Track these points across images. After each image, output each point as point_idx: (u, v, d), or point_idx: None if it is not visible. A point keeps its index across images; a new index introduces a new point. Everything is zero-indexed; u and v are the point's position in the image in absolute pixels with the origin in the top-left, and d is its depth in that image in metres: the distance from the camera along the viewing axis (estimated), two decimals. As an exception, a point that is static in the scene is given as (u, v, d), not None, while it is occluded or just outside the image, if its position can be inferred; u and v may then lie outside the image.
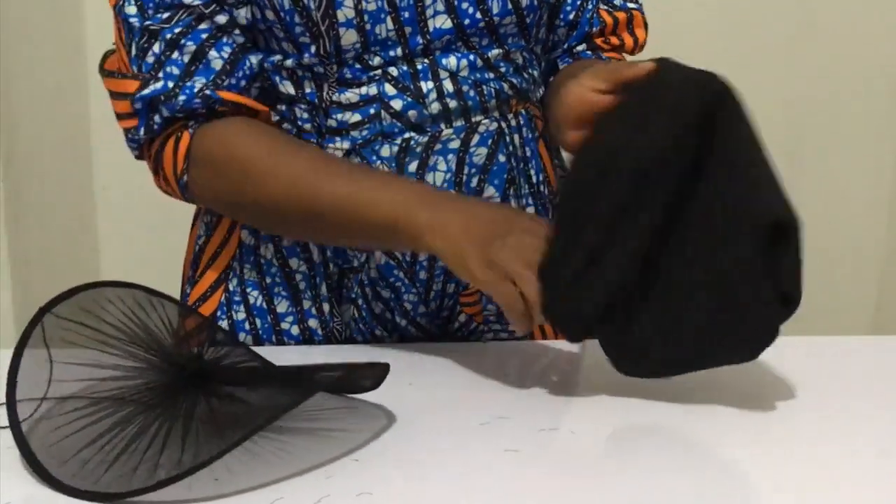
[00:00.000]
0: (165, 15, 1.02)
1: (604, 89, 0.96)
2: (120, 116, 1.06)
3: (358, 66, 1.05)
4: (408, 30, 1.04)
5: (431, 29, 1.04)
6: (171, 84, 1.02)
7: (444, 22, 1.05)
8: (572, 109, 0.98)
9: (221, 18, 1.03)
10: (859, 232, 2.38)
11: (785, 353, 1.10)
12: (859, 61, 2.28)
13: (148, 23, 1.02)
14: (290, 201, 1.01)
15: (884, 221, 2.38)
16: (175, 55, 1.02)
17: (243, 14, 1.05)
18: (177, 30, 1.02)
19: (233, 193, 1.05)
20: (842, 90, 2.30)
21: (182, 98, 1.02)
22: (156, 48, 1.02)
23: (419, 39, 1.05)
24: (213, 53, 1.03)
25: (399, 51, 1.05)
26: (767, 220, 0.93)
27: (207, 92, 1.02)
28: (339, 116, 1.07)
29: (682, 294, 0.94)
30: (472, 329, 1.16)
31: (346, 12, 1.02)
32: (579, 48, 1.21)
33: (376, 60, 1.05)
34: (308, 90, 1.07)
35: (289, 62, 1.06)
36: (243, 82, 1.05)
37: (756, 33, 2.25)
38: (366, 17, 1.02)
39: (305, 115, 1.08)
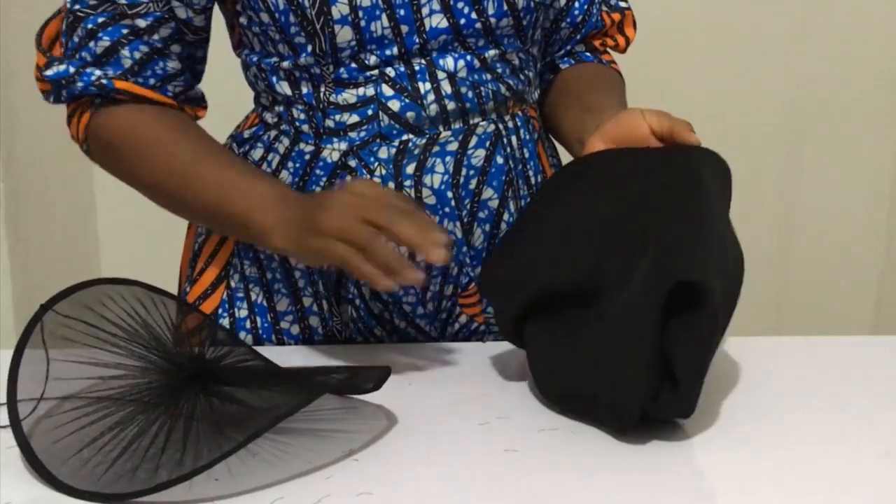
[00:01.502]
0: (92, 2, 1.05)
1: (656, 131, 0.99)
2: (37, 79, 1.10)
3: (354, 65, 1.05)
4: (404, 28, 1.04)
5: (428, 28, 1.04)
6: (72, 69, 1.06)
7: (440, 21, 1.05)
8: (623, 128, 1.00)
9: (141, 22, 1.05)
10: (859, 232, 2.38)
11: (785, 353, 1.10)
12: (859, 61, 2.28)
13: (77, 7, 1.06)
14: (165, 184, 1.07)
15: (884, 221, 2.38)
16: (91, 44, 1.06)
17: (190, 18, 1.07)
18: (100, 20, 1.05)
19: (120, 171, 1.11)
20: (842, 90, 2.30)
21: (80, 84, 1.06)
22: (79, 32, 1.06)
23: (416, 39, 1.05)
24: (124, 52, 1.06)
25: (395, 50, 1.05)
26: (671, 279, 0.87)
27: (104, 81, 1.06)
28: (337, 117, 1.07)
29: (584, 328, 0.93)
30: (474, 330, 1.16)
31: (340, 8, 1.02)
32: (577, 49, 1.22)
33: (372, 60, 1.05)
34: (305, 91, 1.07)
35: (286, 63, 1.06)
36: (151, 80, 1.08)
37: (756, 33, 2.25)
38: (360, 14, 1.02)
39: (303, 116, 1.08)
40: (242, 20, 1.07)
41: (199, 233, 1.17)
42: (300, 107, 1.08)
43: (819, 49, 2.26)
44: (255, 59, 1.09)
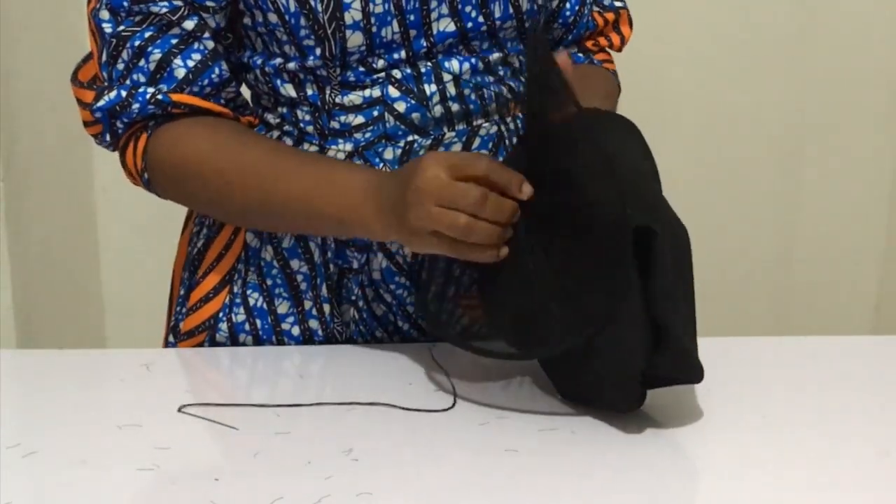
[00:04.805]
0: (136, 19, 1.03)
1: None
2: (86, 124, 1.08)
3: (362, 68, 1.05)
4: (412, 32, 1.04)
5: (435, 32, 1.05)
6: (124, 93, 1.03)
7: (447, 25, 1.05)
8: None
9: (189, 24, 1.04)
10: (859, 232, 2.38)
11: (785, 353, 1.10)
12: (859, 62, 2.28)
13: (120, 28, 1.03)
14: (244, 199, 1.03)
15: (884, 221, 2.38)
16: (142, 63, 1.03)
17: (217, 19, 1.05)
18: (146, 35, 1.03)
19: (188, 193, 1.08)
20: (842, 90, 2.29)
21: (136, 106, 1.03)
22: (125, 55, 1.03)
23: (423, 42, 1.05)
24: (177, 62, 1.03)
25: (403, 53, 1.05)
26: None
27: (160, 97, 1.03)
28: (343, 118, 1.07)
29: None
30: (476, 332, 1.15)
31: (353, 14, 1.01)
32: (570, 50, 1.22)
33: (380, 63, 1.05)
34: (310, 92, 1.07)
35: (291, 65, 1.06)
36: (208, 89, 1.05)
37: (756, 34, 2.25)
38: (373, 20, 1.02)
39: (308, 118, 1.08)
40: (246, 20, 1.07)
41: (197, 237, 1.16)
42: (305, 108, 1.08)
43: (819, 50, 2.26)
44: (258, 61, 1.08)
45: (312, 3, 1.01)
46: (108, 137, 1.07)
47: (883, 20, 2.26)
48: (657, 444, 0.90)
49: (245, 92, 1.14)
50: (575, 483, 0.84)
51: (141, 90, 1.03)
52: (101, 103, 1.04)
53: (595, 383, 0.93)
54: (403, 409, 0.96)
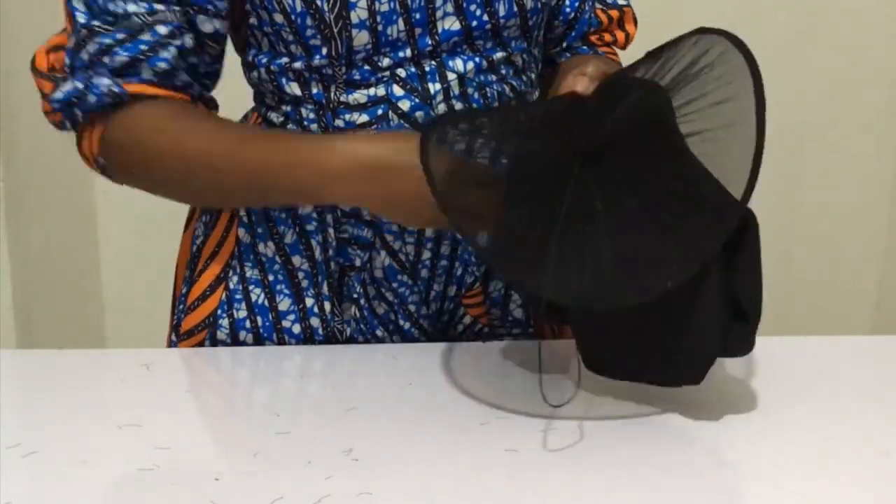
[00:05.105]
0: (109, 19, 1.02)
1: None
2: (46, 112, 1.07)
3: (367, 67, 1.05)
4: (417, 31, 1.04)
5: (440, 30, 1.05)
6: (80, 85, 1.03)
7: (452, 24, 1.05)
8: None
9: (163, 29, 1.02)
10: (859, 232, 2.38)
11: (785, 353, 1.10)
12: (859, 61, 2.28)
13: (94, 23, 1.02)
14: (197, 176, 1.03)
15: (884, 221, 2.38)
16: (105, 59, 1.02)
17: (213, 25, 1.04)
18: (118, 36, 1.02)
19: (141, 174, 1.07)
20: (842, 90, 2.30)
21: (92, 98, 1.03)
22: (90, 48, 1.02)
23: (428, 41, 1.05)
24: (145, 66, 1.02)
25: (408, 52, 1.05)
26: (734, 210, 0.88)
27: (115, 90, 1.03)
28: (347, 117, 1.07)
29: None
30: (478, 332, 1.16)
31: (359, 13, 1.01)
32: (575, 45, 1.22)
33: (385, 62, 1.05)
34: (315, 91, 1.07)
35: (297, 64, 1.05)
36: (161, 75, 1.04)
37: (756, 33, 2.24)
38: (378, 19, 1.02)
39: (312, 116, 1.08)
40: (252, 21, 1.06)
41: (197, 234, 1.17)
42: (309, 106, 1.08)
43: (819, 49, 2.26)
44: (263, 60, 1.08)
45: (319, 3, 1.01)
46: (68, 125, 1.06)
47: (883, 20, 2.27)
48: (657, 443, 0.90)
49: (248, 91, 1.14)
50: (575, 483, 0.84)
51: (95, 81, 1.02)
52: (57, 95, 1.04)
53: (657, 354, 0.93)
54: (403, 408, 0.96)
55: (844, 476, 0.85)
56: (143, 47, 1.02)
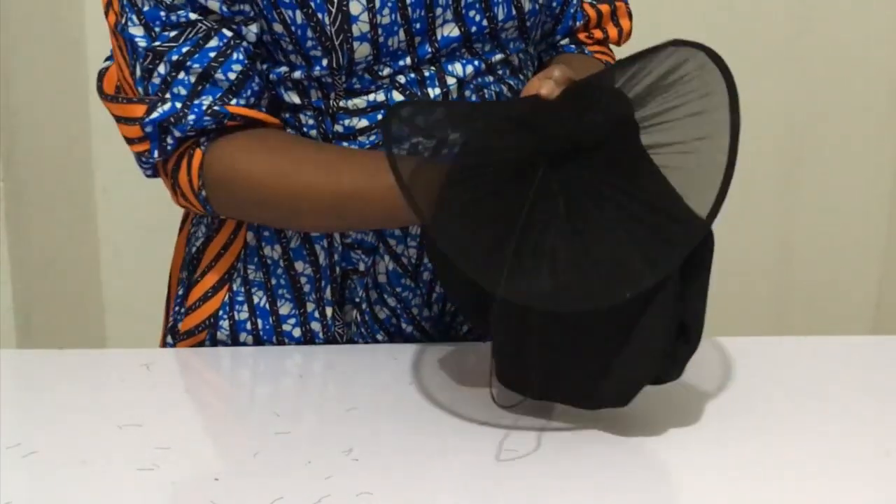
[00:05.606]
0: (172, 34, 1.01)
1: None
2: (130, 141, 1.04)
3: (367, 76, 1.05)
4: (417, 39, 1.04)
5: (439, 37, 1.05)
6: (178, 105, 1.01)
7: (451, 30, 1.05)
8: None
9: (228, 32, 1.02)
10: (859, 232, 2.38)
11: (785, 353, 1.10)
12: (859, 62, 2.28)
13: (155, 44, 1.01)
14: (305, 209, 1.01)
15: (884, 221, 2.38)
16: (181, 76, 1.01)
17: (253, 30, 1.03)
18: (184, 49, 1.01)
19: (249, 209, 1.05)
20: (842, 91, 2.29)
21: (192, 117, 1.01)
22: (161, 69, 1.01)
23: (427, 48, 1.05)
24: (219, 75, 1.01)
25: (408, 60, 1.04)
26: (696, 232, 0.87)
27: (217, 108, 1.01)
28: (346, 122, 1.06)
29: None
30: (479, 336, 1.15)
31: (360, 27, 1.01)
32: (562, 42, 1.21)
33: (385, 71, 1.04)
34: (314, 98, 1.06)
35: (297, 74, 1.05)
36: (252, 99, 1.04)
37: (756, 32, 2.25)
38: (380, 31, 1.02)
39: (311, 122, 1.07)
40: (256, 30, 1.06)
41: (196, 236, 1.16)
42: (309, 112, 1.07)
43: (819, 50, 2.26)
44: (262, 69, 1.07)
45: (320, 16, 1.00)
46: (156, 154, 1.03)
47: (883, 20, 2.27)
48: (657, 444, 0.90)
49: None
50: (575, 483, 0.84)
51: (196, 101, 1.01)
52: (153, 116, 1.01)
53: (591, 376, 0.90)
54: (403, 408, 0.96)
55: (844, 476, 0.85)
56: (212, 54, 1.01)
